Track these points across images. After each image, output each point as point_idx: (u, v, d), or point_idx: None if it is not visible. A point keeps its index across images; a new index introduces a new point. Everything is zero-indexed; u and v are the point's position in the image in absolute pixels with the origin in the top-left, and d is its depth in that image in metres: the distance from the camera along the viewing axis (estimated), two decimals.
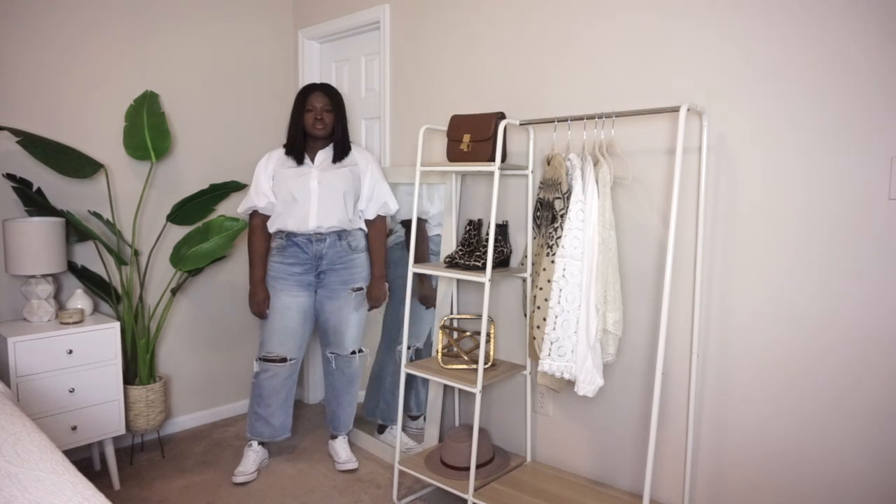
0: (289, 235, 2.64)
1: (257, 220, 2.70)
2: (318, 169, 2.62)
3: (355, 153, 2.71)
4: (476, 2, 2.59)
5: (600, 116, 1.98)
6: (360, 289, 2.70)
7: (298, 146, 2.64)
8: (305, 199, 2.59)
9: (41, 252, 2.39)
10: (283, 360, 2.66)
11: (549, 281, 2.05)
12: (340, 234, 2.65)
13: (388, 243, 2.83)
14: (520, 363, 2.51)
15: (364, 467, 2.77)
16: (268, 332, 2.67)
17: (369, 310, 2.77)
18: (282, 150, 2.69)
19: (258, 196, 2.66)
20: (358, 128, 3.29)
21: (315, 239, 2.63)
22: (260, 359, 2.68)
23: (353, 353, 2.75)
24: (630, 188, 2.17)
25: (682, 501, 2.13)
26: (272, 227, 2.67)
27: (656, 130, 2.10)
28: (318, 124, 2.60)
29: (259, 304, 2.66)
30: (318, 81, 3.11)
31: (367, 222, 2.74)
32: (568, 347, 1.99)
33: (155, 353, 3.02)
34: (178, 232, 3.04)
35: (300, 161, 2.64)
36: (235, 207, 3.27)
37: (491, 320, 2.47)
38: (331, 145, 2.68)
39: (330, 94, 2.63)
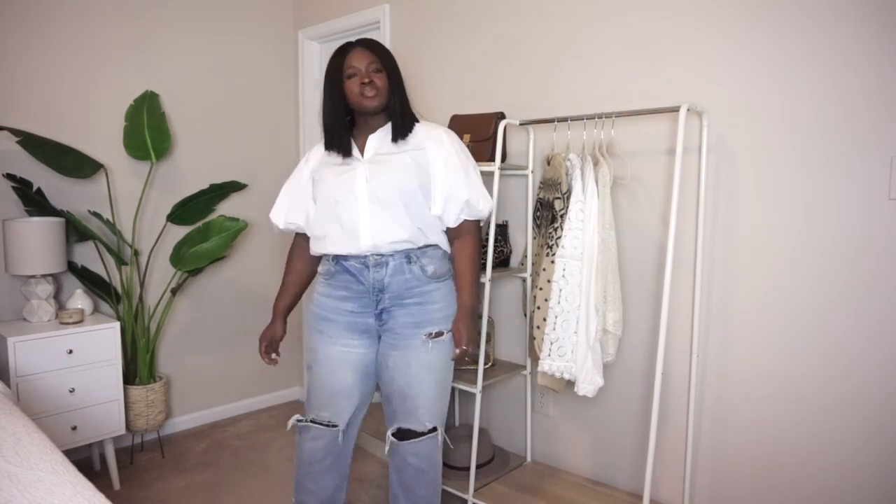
0: (337, 259, 1.84)
1: (300, 236, 1.99)
2: (369, 161, 1.80)
3: (421, 131, 1.84)
4: (476, 2, 2.59)
5: (600, 116, 1.98)
6: (441, 334, 1.83)
7: (340, 132, 1.83)
8: (352, 206, 1.78)
9: (41, 252, 2.39)
10: (330, 424, 1.90)
11: (548, 281, 2.05)
12: (409, 256, 1.81)
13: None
14: (520, 363, 2.51)
15: (364, 467, 2.77)
16: (312, 391, 1.90)
17: (455, 360, 1.87)
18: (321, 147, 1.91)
19: (295, 209, 1.90)
20: None
21: (372, 263, 1.80)
22: (301, 418, 1.93)
23: (428, 432, 1.87)
24: (630, 188, 2.17)
25: (682, 501, 2.13)
26: (314, 248, 1.89)
27: (656, 130, 2.10)
28: (367, 90, 1.75)
29: (264, 342, 1.96)
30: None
31: (450, 232, 1.87)
32: (568, 347, 1.99)
33: (155, 353, 3.02)
34: (178, 232, 3.04)
35: (347, 153, 1.83)
36: (235, 207, 3.27)
37: (491, 320, 2.47)
38: (388, 125, 1.84)
39: (376, 50, 1.80)
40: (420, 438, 1.86)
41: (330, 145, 1.84)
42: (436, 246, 1.84)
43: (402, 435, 1.87)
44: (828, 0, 1.73)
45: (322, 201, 1.84)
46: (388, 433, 1.91)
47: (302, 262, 1.97)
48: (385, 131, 1.84)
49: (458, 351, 1.82)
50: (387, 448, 1.92)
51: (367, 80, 1.75)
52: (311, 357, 1.91)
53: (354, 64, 1.77)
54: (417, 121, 1.87)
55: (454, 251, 1.86)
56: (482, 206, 1.83)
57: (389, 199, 1.76)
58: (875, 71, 1.67)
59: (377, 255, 1.80)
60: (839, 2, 1.72)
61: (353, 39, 1.85)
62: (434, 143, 1.81)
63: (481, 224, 1.94)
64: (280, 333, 1.98)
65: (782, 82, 1.83)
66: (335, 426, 1.88)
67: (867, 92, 1.69)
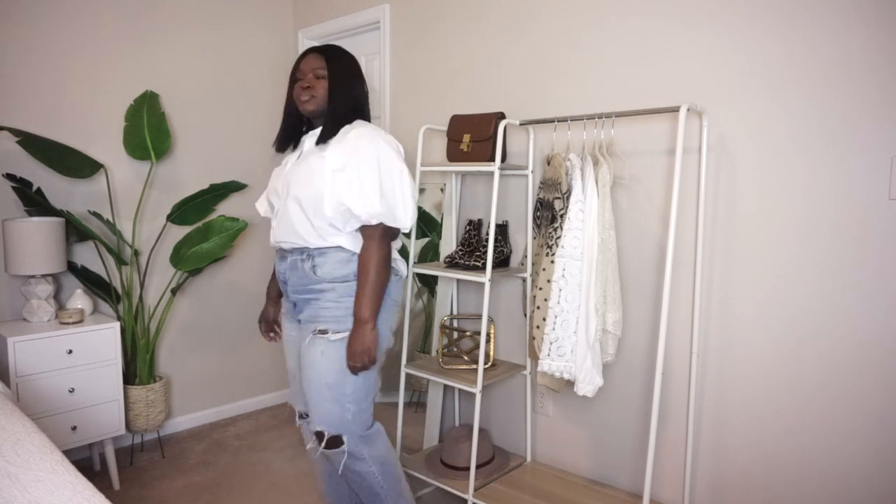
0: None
1: None
2: (296, 161, 1.89)
3: (349, 132, 1.83)
4: (476, 2, 2.59)
5: (600, 116, 1.98)
6: (325, 332, 1.81)
7: (285, 132, 1.95)
8: (275, 201, 1.93)
9: (41, 252, 2.39)
10: (301, 415, 2.04)
11: (548, 281, 2.05)
12: (304, 253, 1.85)
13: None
14: (520, 363, 2.51)
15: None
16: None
17: (353, 371, 1.80)
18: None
19: (262, 200, 2.08)
20: None
21: (279, 257, 1.94)
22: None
23: (320, 435, 1.83)
24: (630, 188, 2.17)
25: (682, 501, 2.13)
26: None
27: (656, 130, 2.10)
28: (303, 94, 1.83)
29: (263, 324, 2.16)
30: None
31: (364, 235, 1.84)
32: (567, 347, 1.99)
33: (155, 353, 3.02)
34: (178, 232, 3.04)
35: (281, 149, 1.98)
36: (235, 207, 3.27)
37: (491, 320, 2.47)
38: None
39: (326, 54, 1.85)
40: (331, 449, 1.83)
41: (276, 141, 1.97)
42: (338, 248, 1.83)
43: (319, 438, 1.84)
44: (829, 0, 1.73)
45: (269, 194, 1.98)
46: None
47: None
48: (316, 133, 1.89)
49: (349, 362, 1.78)
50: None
51: (306, 85, 1.83)
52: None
53: (302, 68, 1.86)
54: (345, 124, 1.86)
55: (359, 260, 1.82)
56: (359, 212, 1.76)
57: (294, 199, 1.82)
58: (875, 71, 1.67)
59: (281, 249, 1.91)
60: (839, 2, 1.72)
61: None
62: (341, 146, 1.80)
63: (404, 232, 1.90)
64: (273, 315, 2.15)
65: (782, 82, 1.83)
66: (304, 416, 2.00)
67: (867, 92, 1.69)
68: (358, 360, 1.77)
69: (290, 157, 1.94)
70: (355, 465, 1.87)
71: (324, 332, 1.81)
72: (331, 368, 1.80)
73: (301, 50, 3.40)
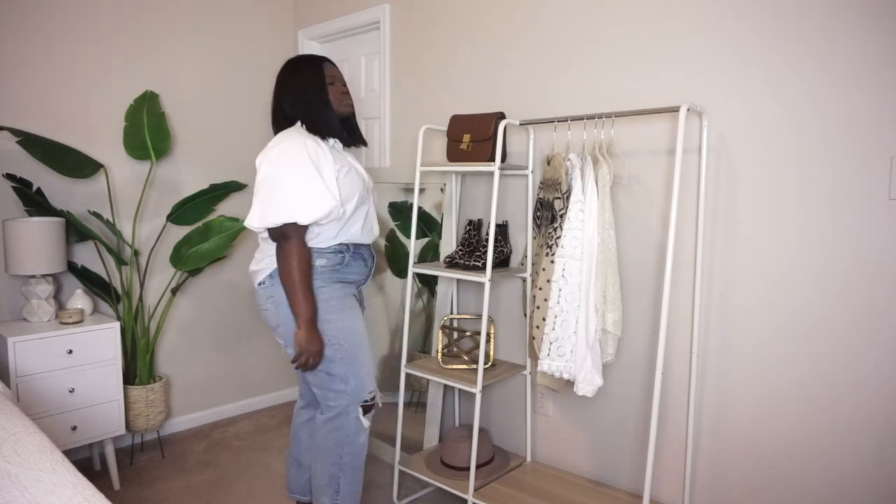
0: (353, 247, 2.03)
1: (304, 231, 1.91)
2: (350, 163, 2.05)
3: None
4: (476, 2, 2.59)
5: (600, 116, 1.98)
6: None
7: (339, 126, 2.05)
8: (369, 201, 2.10)
9: (41, 252, 2.39)
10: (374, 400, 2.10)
11: (548, 281, 2.05)
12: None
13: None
14: (520, 363, 2.51)
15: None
16: (366, 367, 2.02)
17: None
18: (311, 138, 1.94)
19: (329, 196, 1.89)
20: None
21: (365, 253, 2.10)
22: (366, 409, 2.02)
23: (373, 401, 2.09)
24: (630, 188, 2.17)
25: (682, 501, 2.13)
26: (335, 238, 1.97)
27: (656, 130, 2.10)
28: (346, 99, 2.05)
29: (321, 353, 1.93)
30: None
31: None
32: (567, 347, 1.99)
33: (155, 353, 3.03)
34: (178, 232, 3.04)
35: (345, 146, 2.12)
36: (235, 207, 3.27)
37: (491, 320, 2.47)
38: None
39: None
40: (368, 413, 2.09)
41: (328, 133, 2.00)
42: None
43: (369, 406, 2.07)
44: (827, 0, 1.73)
45: (350, 193, 1.97)
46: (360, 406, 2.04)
47: (310, 264, 1.94)
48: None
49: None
50: (362, 416, 2.06)
51: (346, 91, 2.06)
52: (350, 338, 1.97)
53: (333, 73, 2.03)
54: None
55: None
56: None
57: (372, 198, 2.14)
58: (875, 71, 1.67)
59: (366, 245, 2.11)
60: (839, 2, 1.72)
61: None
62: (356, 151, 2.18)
63: (309, 236, 1.94)
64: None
65: (782, 82, 1.83)
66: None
67: (867, 92, 1.69)
68: (306, 357, 1.95)
69: (340, 157, 2.00)
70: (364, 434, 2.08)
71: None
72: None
73: (301, 50, 3.40)
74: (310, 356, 1.91)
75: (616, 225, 2.19)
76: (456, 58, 2.69)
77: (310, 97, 1.98)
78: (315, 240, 1.95)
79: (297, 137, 1.91)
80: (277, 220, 1.86)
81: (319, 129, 1.98)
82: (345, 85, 2.06)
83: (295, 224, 1.86)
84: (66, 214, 2.57)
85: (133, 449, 2.89)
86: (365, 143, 2.16)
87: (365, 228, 2.06)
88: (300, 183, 1.86)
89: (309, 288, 1.90)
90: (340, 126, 2.04)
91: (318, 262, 1.96)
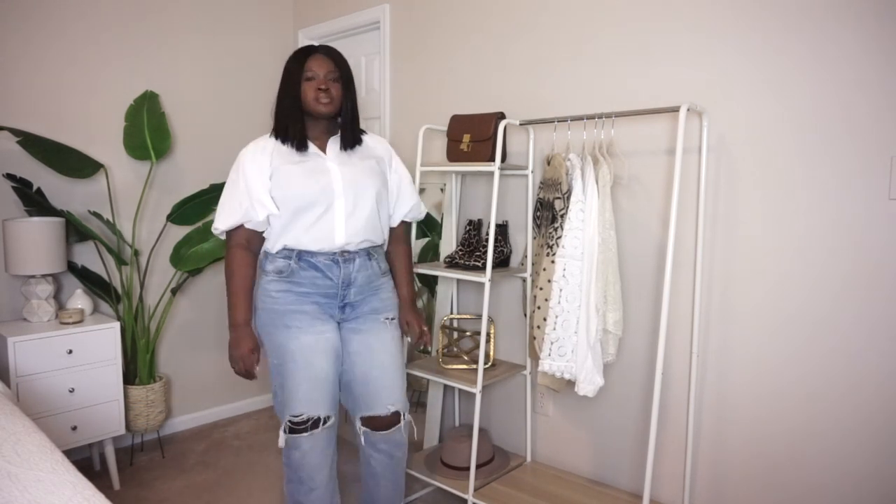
0: (301, 255, 1.89)
1: (240, 237, 1.89)
2: (337, 163, 1.91)
3: (369, 141, 2.04)
4: (476, 2, 2.59)
5: (600, 116, 1.98)
6: (393, 319, 2.03)
7: (297, 126, 1.88)
8: (327, 204, 1.86)
9: (41, 252, 2.39)
10: (318, 422, 1.85)
11: (549, 281, 2.05)
12: (370, 253, 1.97)
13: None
14: (520, 363, 2.51)
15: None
16: (290, 387, 1.84)
17: (415, 345, 2.08)
18: (272, 139, 1.92)
19: (253, 205, 1.85)
20: None
21: (342, 260, 1.91)
22: (288, 430, 1.85)
23: (392, 416, 1.95)
24: (630, 188, 2.17)
25: (682, 501, 2.13)
26: (274, 245, 1.90)
27: (656, 130, 2.10)
28: (322, 97, 1.85)
29: (245, 357, 1.84)
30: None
31: (392, 233, 2.12)
32: (568, 347, 1.99)
33: (155, 353, 3.02)
34: (178, 232, 3.04)
35: (302, 148, 1.90)
36: None
37: (491, 320, 2.47)
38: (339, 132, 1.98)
39: (335, 59, 1.90)
40: (392, 429, 1.96)
41: (285, 136, 1.89)
42: (382, 244, 2.06)
43: (373, 424, 1.95)
44: (827, 0, 1.73)
45: (292, 198, 1.85)
46: (358, 424, 1.97)
47: (251, 268, 1.90)
48: (339, 137, 1.97)
49: (416, 335, 2.06)
50: (361, 439, 1.98)
51: (323, 87, 1.86)
52: (280, 355, 1.86)
53: (314, 68, 1.87)
54: (364, 132, 2.03)
55: (395, 250, 2.11)
56: (423, 208, 2.16)
57: (365, 201, 1.92)
58: (875, 71, 1.67)
59: (346, 251, 1.92)
60: (839, 2, 1.72)
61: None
62: (384, 150, 2.06)
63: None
64: (255, 344, 1.88)
65: (782, 82, 1.83)
66: (321, 422, 1.85)
67: (867, 92, 1.69)
68: (421, 336, 2.08)
69: (299, 159, 1.88)
70: (402, 438, 2.02)
71: (393, 318, 2.02)
72: (400, 350, 2.03)
73: None
74: (233, 360, 1.86)
75: (616, 225, 2.19)
76: (456, 58, 2.69)
77: (280, 95, 1.91)
78: (266, 244, 1.94)
79: (253, 142, 1.94)
80: (214, 227, 1.94)
81: (278, 130, 1.91)
82: (330, 80, 1.87)
83: (229, 230, 1.91)
84: (66, 214, 2.57)
85: (133, 449, 2.89)
86: (352, 145, 1.96)
87: (314, 234, 1.86)
88: (225, 190, 1.92)
89: (237, 293, 1.86)
90: (301, 128, 1.88)
91: (268, 267, 1.93)
